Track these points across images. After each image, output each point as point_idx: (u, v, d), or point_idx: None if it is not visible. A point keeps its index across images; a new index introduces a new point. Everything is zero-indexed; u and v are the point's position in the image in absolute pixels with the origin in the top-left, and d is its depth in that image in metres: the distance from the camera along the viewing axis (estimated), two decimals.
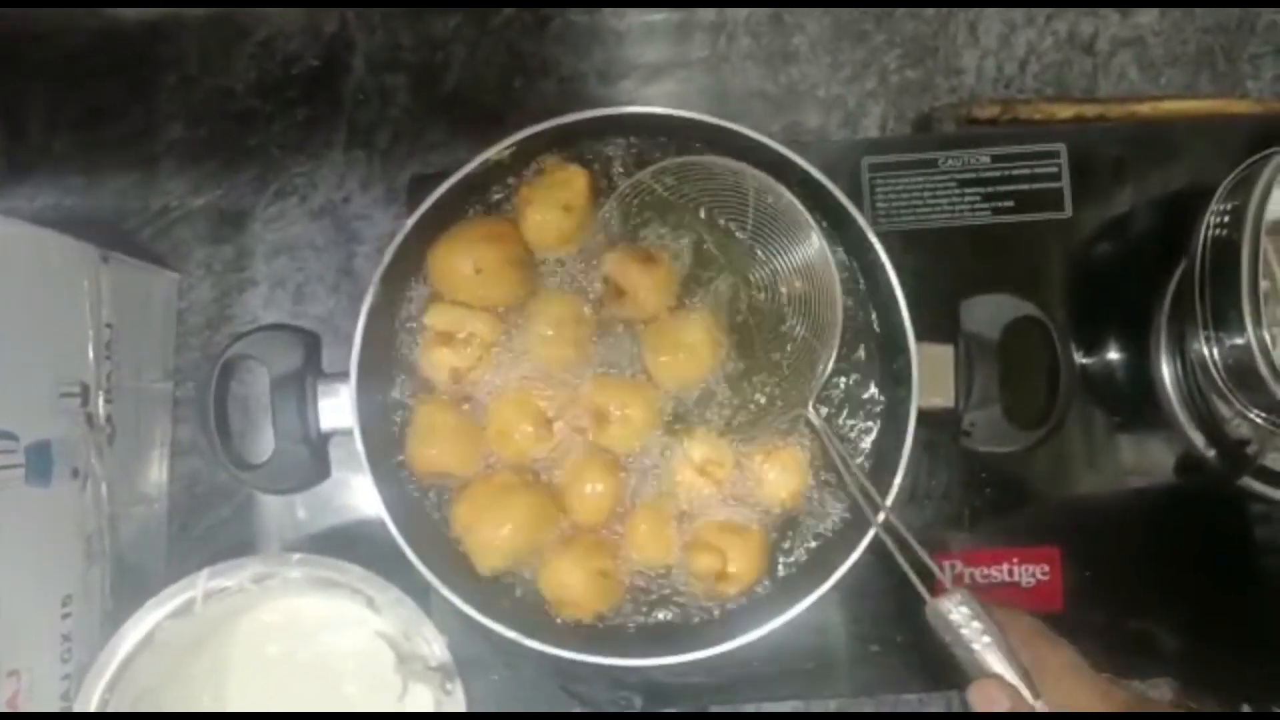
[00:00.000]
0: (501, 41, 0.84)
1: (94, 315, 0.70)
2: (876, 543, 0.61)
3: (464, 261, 0.65)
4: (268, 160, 0.83)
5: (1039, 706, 0.54)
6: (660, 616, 0.67)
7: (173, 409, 0.81)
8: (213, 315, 0.82)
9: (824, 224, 0.67)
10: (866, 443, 0.68)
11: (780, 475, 0.66)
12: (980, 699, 0.54)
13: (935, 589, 0.57)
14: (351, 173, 0.83)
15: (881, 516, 0.61)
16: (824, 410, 0.67)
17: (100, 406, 0.70)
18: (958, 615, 0.55)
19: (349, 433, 0.62)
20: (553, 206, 0.66)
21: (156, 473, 0.79)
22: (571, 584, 0.65)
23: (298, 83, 0.84)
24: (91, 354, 0.69)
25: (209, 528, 0.80)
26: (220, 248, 0.83)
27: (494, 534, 0.64)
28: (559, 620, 0.66)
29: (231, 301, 0.82)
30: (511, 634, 0.61)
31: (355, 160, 0.83)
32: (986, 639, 0.55)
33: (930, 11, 0.85)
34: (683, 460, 0.66)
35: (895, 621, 0.73)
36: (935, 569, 0.58)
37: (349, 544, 0.77)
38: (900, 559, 0.58)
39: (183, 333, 0.82)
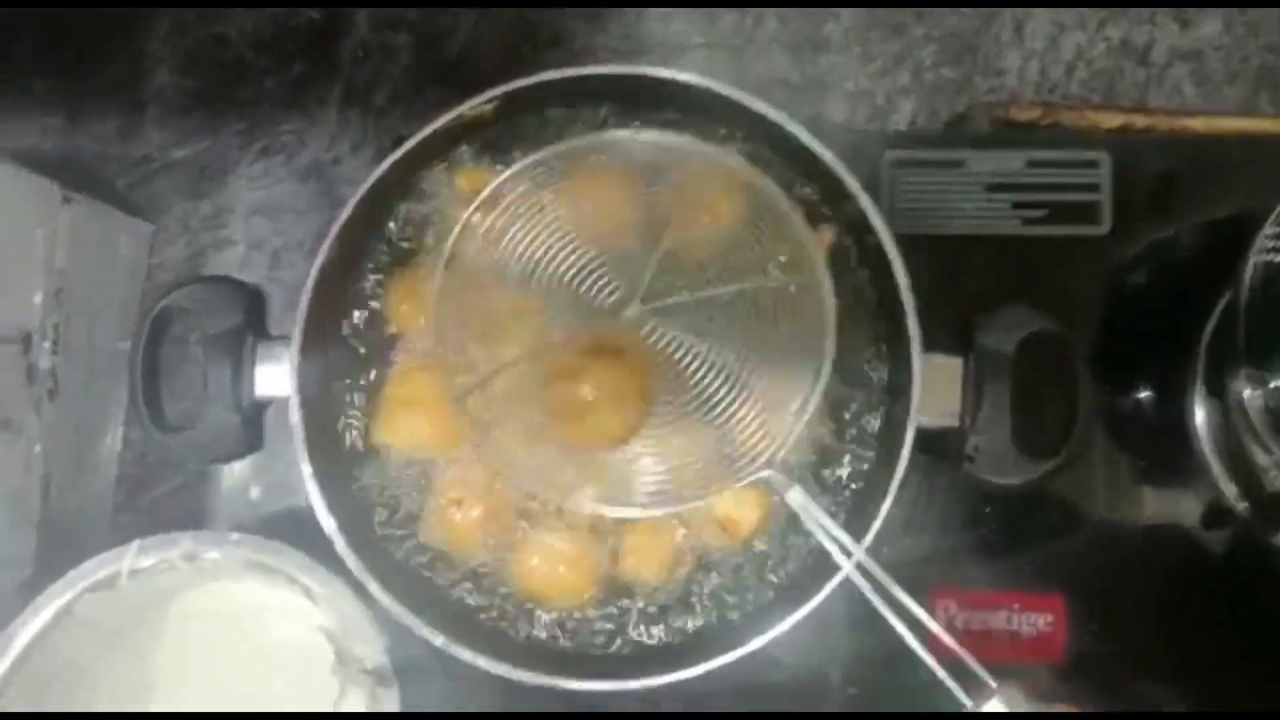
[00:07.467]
0: (512, 9, 0.79)
1: (46, 259, 0.65)
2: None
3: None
4: (257, 115, 0.79)
5: None
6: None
7: None
8: (184, 274, 0.78)
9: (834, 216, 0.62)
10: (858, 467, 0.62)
11: None
12: None
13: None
14: (343, 134, 0.79)
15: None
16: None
17: (43, 359, 0.66)
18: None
19: (286, 401, 0.57)
20: None
21: (108, 439, 0.74)
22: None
23: (296, 35, 0.80)
24: (39, 300, 0.65)
25: (155, 500, 0.75)
26: (199, 203, 0.78)
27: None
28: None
29: (206, 260, 0.78)
30: (458, 649, 0.56)
31: (349, 121, 0.79)
32: None
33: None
34: None
35: (879, 664, 0.67)
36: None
37: (303, 530, 0.72)
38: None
39: (150, 290, 0.77)
